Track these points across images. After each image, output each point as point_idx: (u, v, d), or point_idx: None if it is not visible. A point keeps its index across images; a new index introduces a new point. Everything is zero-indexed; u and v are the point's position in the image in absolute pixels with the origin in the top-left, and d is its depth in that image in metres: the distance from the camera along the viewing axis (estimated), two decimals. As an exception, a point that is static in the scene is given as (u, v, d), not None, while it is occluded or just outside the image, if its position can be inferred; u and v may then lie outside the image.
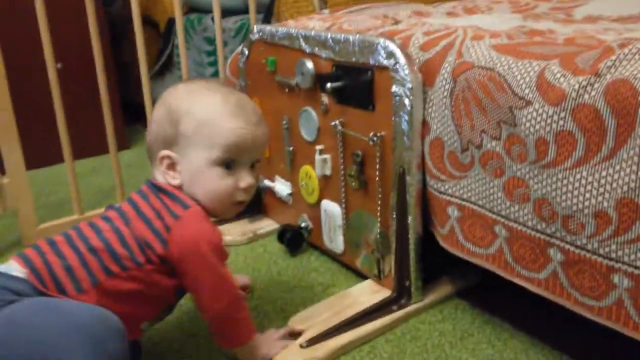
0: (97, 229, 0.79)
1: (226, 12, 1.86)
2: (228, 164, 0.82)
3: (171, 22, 2.04)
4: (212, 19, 1.70)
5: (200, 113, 0.81)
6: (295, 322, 0.96)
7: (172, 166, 0.83)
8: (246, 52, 1.24)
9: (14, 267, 0.74)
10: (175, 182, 0.83)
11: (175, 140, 0.82)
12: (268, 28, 1.15)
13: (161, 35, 2.14)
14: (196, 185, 0.82)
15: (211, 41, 1.86)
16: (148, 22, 2.25)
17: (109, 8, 2.37)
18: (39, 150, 1.75)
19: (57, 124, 1.32)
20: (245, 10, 1.83)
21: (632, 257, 0.66)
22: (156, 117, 0.85)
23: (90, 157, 1.89)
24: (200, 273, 0.79)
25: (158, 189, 0.83)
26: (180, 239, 0.78)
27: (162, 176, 0.84)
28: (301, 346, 0.89)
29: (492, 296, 1.01)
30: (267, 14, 1.63)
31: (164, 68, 2.13)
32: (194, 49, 1.98)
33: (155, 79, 2.15)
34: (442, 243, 0.94)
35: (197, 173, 0.82)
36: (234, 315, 0.83)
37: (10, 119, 1.24)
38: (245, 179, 0.84)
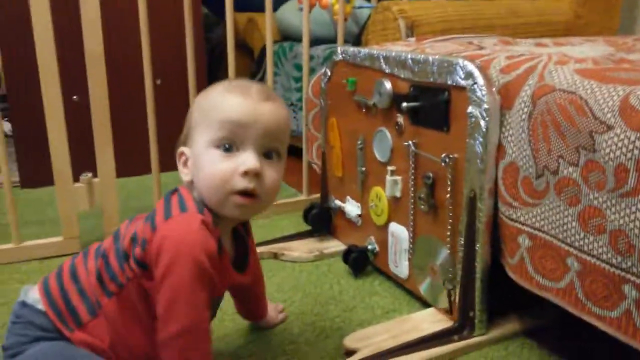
0: (101, 246, 0.78)
1: (316, 41, 1.92)
2: (228, 146, 0.71)
3: (265, 49, 2.13)
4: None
5: (204, 101, 0.75)
6: (351, 340, 0.94)
7: (185, 162, 0.76)
8: (329, 73, 1.26)
9: (37, 298, 0.75)
10: (187, 177, 0.76)
11: (188, 135, 0.76)
12: (351, 49, 1.18)
13: (254, 60, 2.24)
14: (197, 174, 0.74)
15: (300, 68, 1.92)
16: (243, 48, 2.36)
17: (210, 34, 2.51)
18: (131, 161, 1.86)
19: (148, 136, 1.40)
20: (335, 40, 1.88)
21: None
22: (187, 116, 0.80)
23: (174, 171, 1.98)
24: (167, 281, 0.67)
25: (174, 190, 0.76)
26: (160, 238, 0.68)
27: (182, 176, 0.78)
28: (353, 364, 0.88)
29: (563, 338, 0.95)
30: (356, 43, 1.66)
31: (254, 92, 2.21)
32: (284, 74, 2.05)
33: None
34: (510, 274, 0.89)
35: (197, 159, 0.73)
36: (185, 347, 0.69)
37: (107, 131, 1.33)
38: (246, 162, 0.70)
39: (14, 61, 1.72)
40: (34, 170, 1.80)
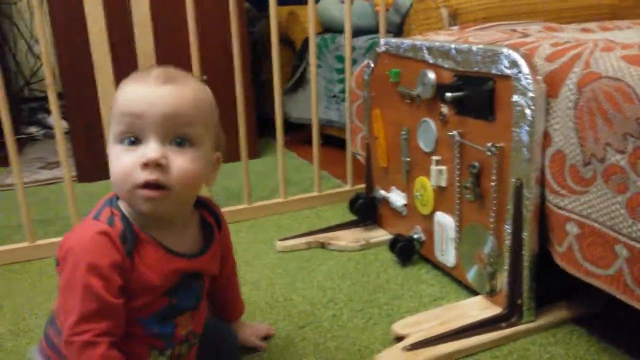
0: None
1: (358, 32, 1.93)
2: (131, 139, 0.66)
3: (307, 41, 2.16)
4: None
5: (115, 94, 0.69)
6: (400, 326, 0.96)
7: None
8: (371, 65, 1.28)
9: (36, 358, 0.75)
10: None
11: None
12: (394, 40, 1.19)
13: (296, 53, 2.27)
14: (110, 172, 0.68)
15: (342, 59, 1.94)
16: (285, 41, 2.39)
17: (253, 29, 2.55)
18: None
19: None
20: (377, 30, 1.89)
21: None
22: None
23: (224, 163, 2.04)
24: (61, 280, 0.67)
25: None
26: (61, 244, 0.68)
27: None
28: (404, 349, 0.90)
29: (611, 325, 0.95)
30: (398, 33, 1.67)
31: (297, 85, 2.25)
32: (326, 66, 2.07)
33: (288, 95, 2.27)
34: (558, 261, 0.90)
35: (109, 157, 0.68)
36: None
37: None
38: (145, 153, 0.64)
39: (69, 60, 1.80)
40: (90, 165, 1.89)
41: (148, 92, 0.65)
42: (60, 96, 1.85)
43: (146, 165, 0.64)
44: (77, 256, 0.64)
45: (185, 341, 0.74)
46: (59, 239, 1.36)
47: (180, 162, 0.66)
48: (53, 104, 1.27)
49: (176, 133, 0.66)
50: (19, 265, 1.29)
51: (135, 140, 0.65)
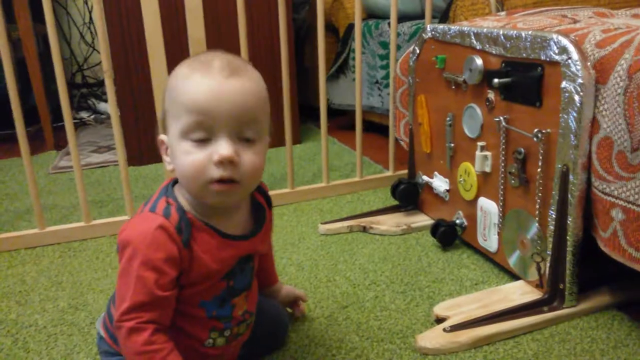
0: None
1: (403, 18, 1.93)
2: (199, 135, 0.66)
3: (350, 27, 2.17)
4: (389, 24, 1.79)
5: (171, 82, 0.69)
6: (441, 308, 0.98)
7: (167, 150, 0.72)
8: (417, 51, 1.29)
9: (99, 328, 0.82)
10: (170, 167, 0.72)
11: (164, 121, 0.71)
12: (440, 27, 1.20)
13: (340, 39, 2.28)
14: (175, 164, 0.70)
15: (385, 45, 1.95)
16: (328, 28, 2.40)
17: (296, 15, 2.58)
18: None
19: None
20: (422, 15, 1.89)
21: None
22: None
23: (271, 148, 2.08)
24: (119, 268, 0.69)
25: (170, 182, 0.75)
26: (120, 234, 0.70)
27: (165, 165, 0.74)
28: (444, 330, 0.92)
29: (658, 313, 0.95)
30: (443, 18, 1.67)
31: (339, 71, 2.26)
32: (369, 52, 2.08)
33: (330, 81, 2.29)
34: (602, 247, 0.90)
35: (173, 149, 0.70)
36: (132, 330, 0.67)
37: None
38: (219, 151, 0.65)
39: (122, 48, 1.86)
40: (139, 149, 1.95)
41: (216, 87, 0.65)
42: (113, 82, 1.92)
43: (221, 162, 0.65)
44: (134, 248, 0.67)
45: (242, 321, 0.78)
46: (112, 219, 1.42)
47: (249, 157, 0.67)
48: (110, 90, 1.32)
49: (244, 128, 0.67)
50: (77, 244, 1.36)
51: (202, 136, 0.66)
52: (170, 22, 1.75)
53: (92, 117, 2.80)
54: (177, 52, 1.52)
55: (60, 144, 2.27)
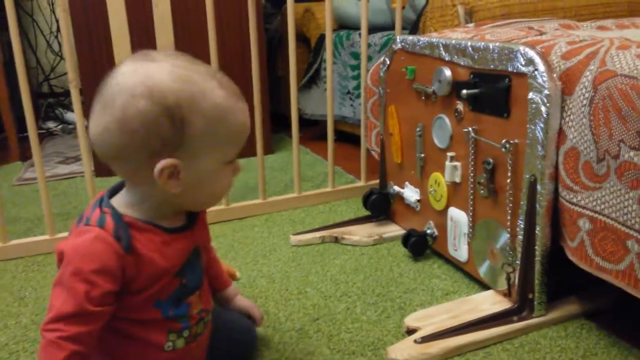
0: None
1: (374, 29, 1.94)
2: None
3: (322, 38, 2.17)
4: (360, 34, 1.79)
5: (209, 108, 0.66)
6: (412, 319, 0.98)
7: (175, 174, 0.67)
8: (387, 62, 1.29)
9: None
10: (176, 190, 0.68)
11: (180, 144, 0.65)
12: (410, 38, 1.20)
13: (311, 50, 2.28)
14: (202, 189, 0.70)
15: (357, 55, 1.95)
16: (300, 38, 2.40)
17: (268, 25, 2.57)
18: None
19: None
20: (393, 27, 1.90)
21: None
22: (142, 116, 0.63)
23: (239, 158, 2.07)
24: (54, 280, 0.67)
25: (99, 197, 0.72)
26: (56, 247, 0.68)
27: (148, 187, 0.69)
28: (415, 341, 0.91)
29: (623, 320, 0.96)
30: (413, 30, 1.68)
31: (312, 81, 2.26)
32: (341, 63, 2.09)
33: (302, 92, 2.29)
34: (570, 256, 0.91)
35: (208, 176, 0.69)
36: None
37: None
38: (238, 167, 0.73)
39: (89, 56, 1.83)
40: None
41: (246, 116, 0.70)
42: (79, 92, 1.89)
43: (234, 174, 0.73)
44: (68, 260, 0.65)
45: (200, 320, 0.77)
46: (78, 230, 1.39)
47: (240, 165, 0.75)
48: (75, 100, 1.30)
49: None
50: (41, 257, 1.32)
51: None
52: (139, 31, 1.73)
53: (60, 127, 2.74)
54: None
55: (26, 154, 2.22)
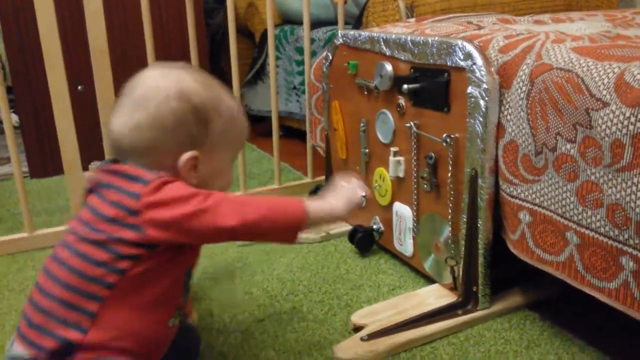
0: (60, 261, 0.70)
1: (318, 23, 1.93)
2: None
3: (266, 33, 2.14)
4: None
5: (226, 111, 0.75)
6: (358, 317, 0.97)
7: (195, 167, 0.73)
8: (330, 57, 1.28)
9: (21, 353, 0.68)
10: (194, 181, 0.72)
11: (203, 140, 0.73)
12: (351, 33, 1.19)
13: (256, 45, 2.25)
14: (214, 182, 0.76)
15: (302, 51, 1.93)
16: (244, 33, 2.36)
17: (211, 20, 2.52)
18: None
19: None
20: (336, 22, 1.89)
21: None
22: (174, 114, 0.70)
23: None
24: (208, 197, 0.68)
25: (113, 172, 0.71)
26: (158, 190, 0.67)
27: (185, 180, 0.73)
28: (362, 339, 0.91)
29: (565, 310, 0.98)
30: (357, 24, 1.67)
31: (257, 77, 2.23)
32: (286, 58, 2.06)
33: (248, 87, 2.25)
34: (512, 249, 0.92)
35: (219, 171, 0.77)
36: (269, 204, 0.71)
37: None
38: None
39: (18, 53, 1.74)
40: (42, 160, 1.83)
41: (245, 120, 0.80)
42: (9, 90, 1.80)
43: None
44: (174, 200, 0.67)
45: (183, 307, 0.78)
46: (10, 236, 1.32)
47: None
48: (1, 99, 1.22)
49: None
50: (-32, 264, 1.25)
51: None
52: (70, 27, 1.65)
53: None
54: (76, 60, 1.44)
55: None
